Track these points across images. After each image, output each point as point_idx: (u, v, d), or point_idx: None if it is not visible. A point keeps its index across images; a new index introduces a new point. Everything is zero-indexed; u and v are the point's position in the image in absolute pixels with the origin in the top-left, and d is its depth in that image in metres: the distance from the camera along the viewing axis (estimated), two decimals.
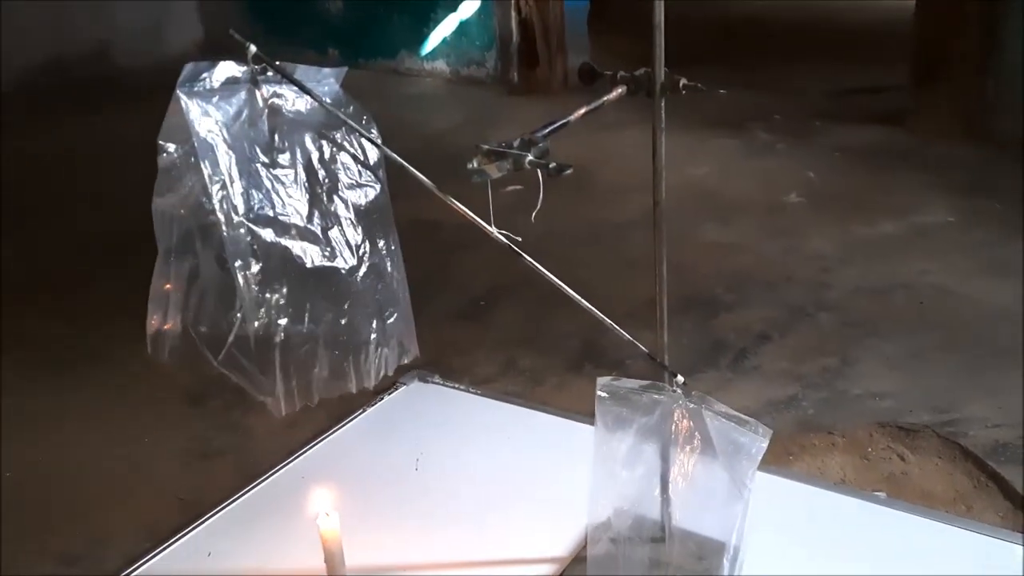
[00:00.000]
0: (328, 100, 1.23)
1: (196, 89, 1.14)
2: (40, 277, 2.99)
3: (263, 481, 1.84)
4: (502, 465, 1.84)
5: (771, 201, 3.32)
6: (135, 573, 1.62)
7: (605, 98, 1.03)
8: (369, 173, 1.35)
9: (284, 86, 1.24)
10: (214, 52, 1.19)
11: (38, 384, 2.33)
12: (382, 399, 2.05)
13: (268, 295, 1.26)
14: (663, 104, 1.10)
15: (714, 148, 3.86)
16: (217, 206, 1.16)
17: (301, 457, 1.91)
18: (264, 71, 1.20)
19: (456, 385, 2.16)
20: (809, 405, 2.09)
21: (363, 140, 1.29)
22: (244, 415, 2.11)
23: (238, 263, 1.20)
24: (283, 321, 1.29)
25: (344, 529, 1.32)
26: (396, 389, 2.09)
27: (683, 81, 1.03)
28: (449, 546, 1.62)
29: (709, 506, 1.29)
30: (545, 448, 1.89)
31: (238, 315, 1.25)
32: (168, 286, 1.27)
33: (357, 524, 1.60)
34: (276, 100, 1.25)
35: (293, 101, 1.26)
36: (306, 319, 1.31)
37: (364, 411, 2.02)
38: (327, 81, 1.27)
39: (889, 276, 2.69)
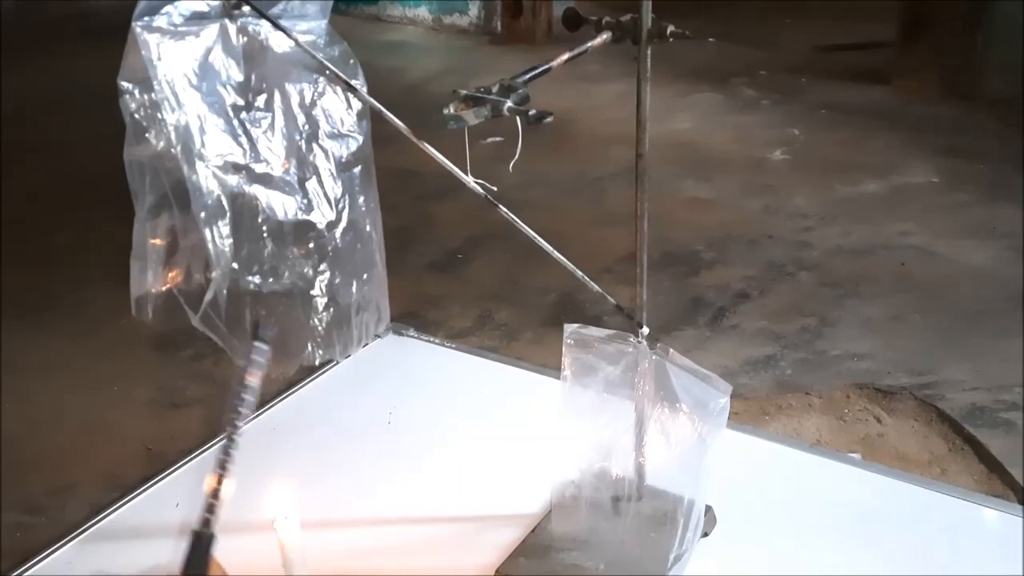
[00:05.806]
0: (313, 37, 1.16)
1: (156, 24, 1.07)
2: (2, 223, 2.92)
3: None
4: (476, 420, 1.81)
5: (755, 157, 3.29)
6: (100, 522, 1.59)
7: (589, 44, 0.98)
8: (352, 122, 1.28)
9: (265, 22, 1.16)
10: None
11: (2, 332, 2.27)
12: (356, 351, 2.02)
13: (238, 249, 1.19)
14: (648, 53, 1.05)
15: (698, 102, 3.80)
16: (179, 153, 1.09)
17: (273, 408, 1.88)
18: (239, 5, 1.12)
19: (431, 339, 2.12)
20: (787, 365, 2.07)
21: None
22: (215, 365, 2.08)
23: (203, 215, 1.13)
24: (256, 279, 1.22)
25: (315, 482, 1.29)
26: (370, 341, 2.05)
27: (671, 28, 0.98)
28: (421, 501, 1.60)
29: (671, 460, 1.27)
30: (520, 404, 1.87)
31: (215, 272, 1.18)
32: (155, 241, 1.20)
33: (327, 477, 1.58)
34: (255, 38, 1.17)
35: (273, 40, 1.18)
36: (283, 277, 1.24)
37: (338, 363, 1.99)
38: (313, 16, 1.19)
39: (871, 236, 2.67)
